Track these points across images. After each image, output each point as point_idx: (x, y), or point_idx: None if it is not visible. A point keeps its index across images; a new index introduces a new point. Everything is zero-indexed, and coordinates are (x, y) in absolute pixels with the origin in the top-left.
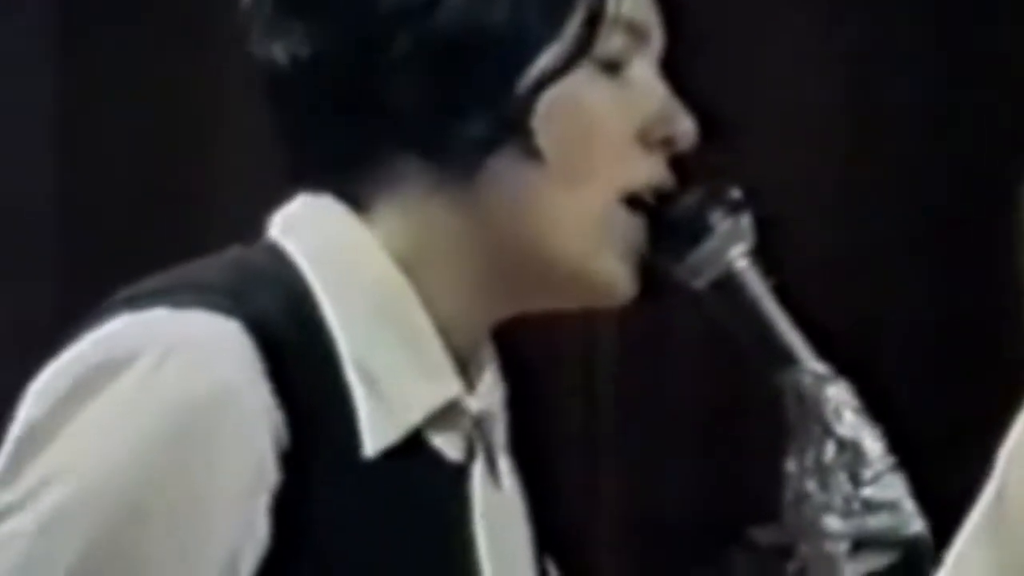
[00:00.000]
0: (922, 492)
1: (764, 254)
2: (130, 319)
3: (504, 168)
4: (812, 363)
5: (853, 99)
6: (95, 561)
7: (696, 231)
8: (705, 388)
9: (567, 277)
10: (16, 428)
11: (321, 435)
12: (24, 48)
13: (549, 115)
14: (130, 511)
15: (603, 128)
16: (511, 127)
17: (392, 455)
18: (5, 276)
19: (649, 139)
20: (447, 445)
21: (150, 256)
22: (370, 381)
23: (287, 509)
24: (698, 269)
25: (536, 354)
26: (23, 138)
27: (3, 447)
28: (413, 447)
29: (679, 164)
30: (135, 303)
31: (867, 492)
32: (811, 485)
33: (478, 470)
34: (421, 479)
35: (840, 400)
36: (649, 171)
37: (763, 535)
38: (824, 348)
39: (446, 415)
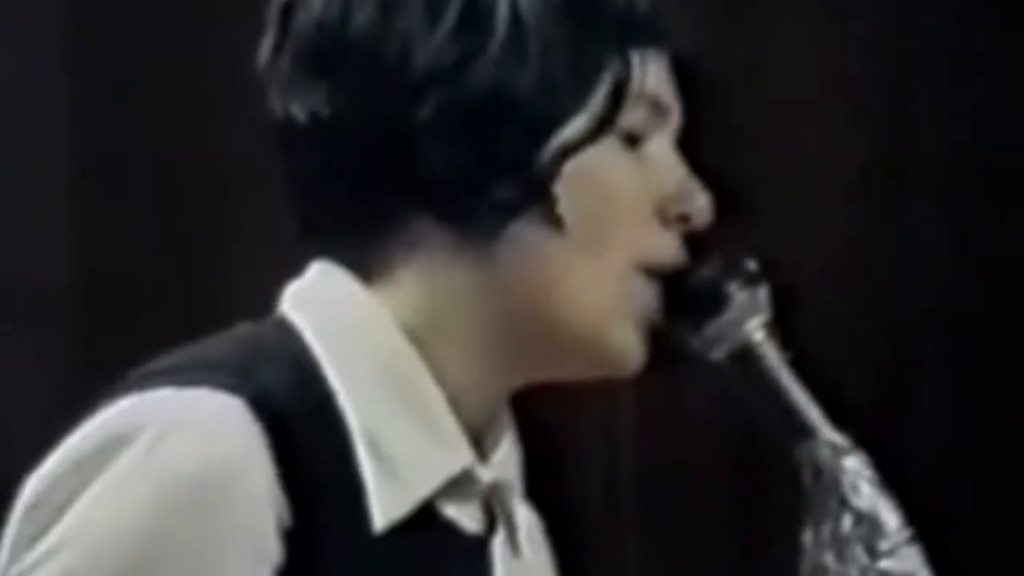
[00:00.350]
0: (939, 565)
1: (782, 325)
2: (136, 399)
3: (523, 234)
4: (829, 435)
5: (878, 166)
6: None
7: (713, 303)
8: (724, 459)
9: (580, 345)
10: (25, 505)
11: (328, 510)
12: (38, 121)
13: (571, 184)
14: None
15: (623, 200)
16: (534, 194)
17: (403, 529)
18: (22, 337)
19: (666, 215)
20: (463, 516)
21: (169, 316)
22: (379, 454)
23: None
24: (715, 341)
25: (555, 432)
26: (38, 203)
27: (12, 525)
28: (425, 520)
29: (698, 234)
30: (142, 384)
31: (884, 564)
32: (828, 557)
33: (499, 540)
34: (434, 552)
35: (857, 472)
36: (665, 246)
37: None
38: (843, 418)
39: (459, 486)
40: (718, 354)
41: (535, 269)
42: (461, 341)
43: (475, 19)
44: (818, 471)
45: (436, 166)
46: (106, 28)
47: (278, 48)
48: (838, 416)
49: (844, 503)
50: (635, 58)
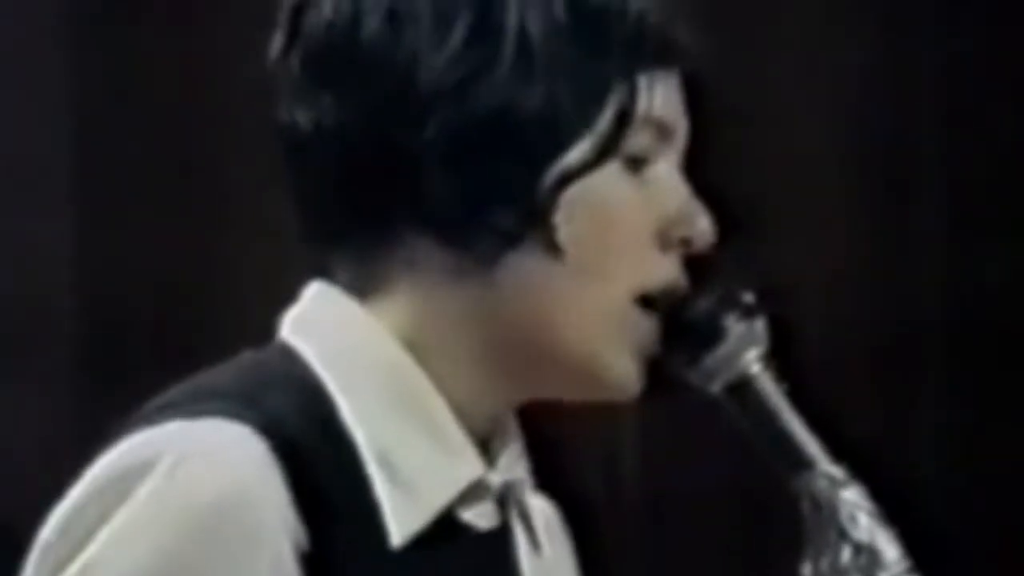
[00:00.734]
0: None
1: (779, 357)
2: (149, 433)
3: (522, 259)
4: (827, 467)
5: (877, 197)
6: None
7: (710, 335)
8: (724, 493)
9: (577, 371)
10: (42, 543)
11: (344, 531)
12: (40, 147)
13: (571, 211)
14: None
15: (623, 226)
16: (535, 221)
17: (421, 540)
18: (24, 371)
19: (667, 239)
20: (477, 517)
21: (170, 343)
22: (391, 470)
23: None
24: (712, 373)
25: (557, 460)
26: (40, 229)
27: (29, 564)
28: (442, 528)
29: (697, 260)
30: (152, 418)
31: None
32: None
33: (520, 535)
34: (455, 557)
35: (855, 504)
36: (665, 272)
37: None
38: (841, 449)
39: (472, 491)
40: (715, 386)
41: (533, 295)
42: (460, 359)
43: (483, 37)
44: (816, 503)
45: (437, 189)
46: (109, 49)
47: (287, 50)
48: (836, 448)
49: (843, 535)
50: (642, 81)
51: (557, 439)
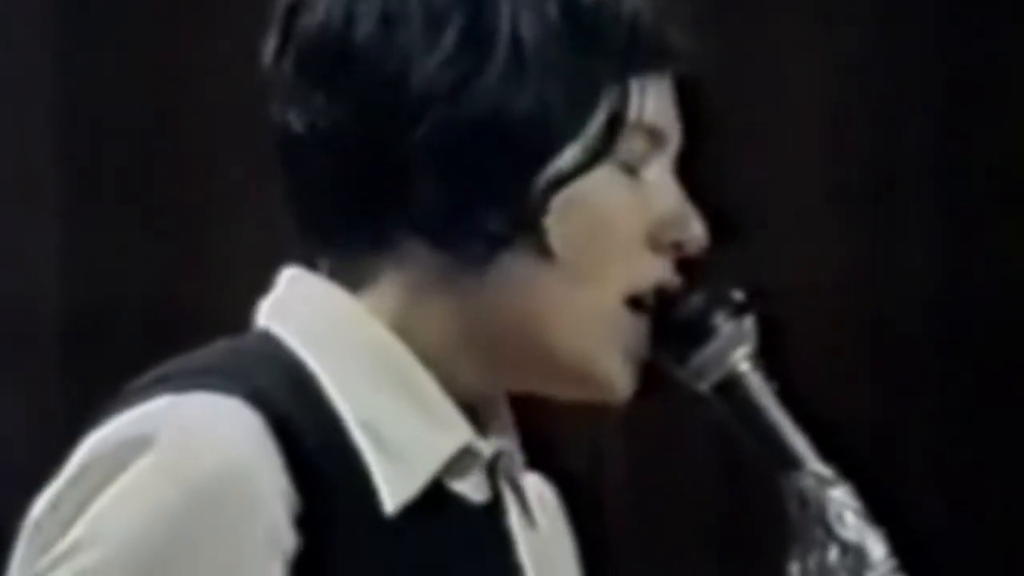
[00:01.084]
0: None
1: (768, 356)
2: (138, 409)
3: (513, 261)
4: (815, 466)
5: (868, 198)
6: None
7: (699, 334)
8: (712, 490)
9: (568, 372)
10: (33, 520)
11: (336, 498)
12: (26, 147)
13: (563, 213)
14: None
15: (614, 229)
16: (525, 225)
17: (413, 509)
18: (9, 370)
19: (659, 242)
20: (469, 488)
21: (155, 344)
22: (378, 439)
23: (309, 574)
24: (701, 372)
25: (541, 460)
26: (26, 230)
27: (20, 544)
28: (434, 497)
29: (688, 261)
30: (139, 395)
31: None
32: None
33: (512, 507)
34: (448, 527)
35: (843, 503)
36: (656, 274)
37: None
38: (831, 448)
39: (462, 460)
40: (704, 385)
41: (524, 297)
42: (448, 352)
43: (475, 40)
44: (804, 502)
45: (427, 191)
46: (94, 49)
47: (281, 51)
48: (824, 447)
49: (830, 534)
50: (635, 86)
51: (543, 429)
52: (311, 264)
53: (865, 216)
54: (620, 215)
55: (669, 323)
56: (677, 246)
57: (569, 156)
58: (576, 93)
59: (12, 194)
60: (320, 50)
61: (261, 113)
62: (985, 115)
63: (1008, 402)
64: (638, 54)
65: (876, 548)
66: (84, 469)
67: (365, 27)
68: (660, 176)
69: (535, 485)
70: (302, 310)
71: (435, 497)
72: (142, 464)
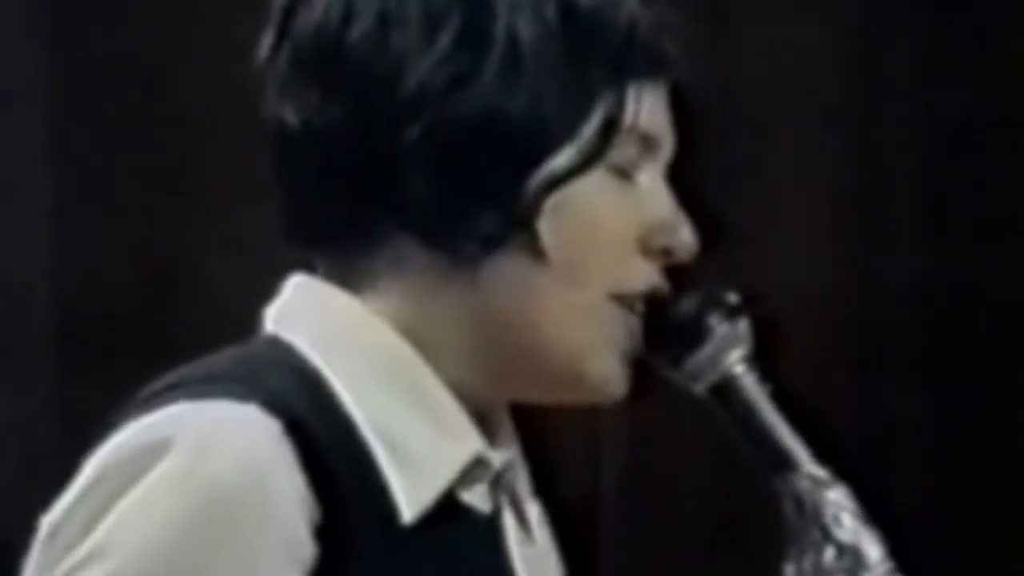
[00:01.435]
0: None
1: (763, 358)
2: (153, 416)
3: (506, 262)
4: (811, 467)
5: (858, 199)
6: None
7: (694, 336)
8: (708, 491)
9: (561, 373)
10: (48, 529)
11: (353, 507)
12: (19, 150)
13: (555, 215)
14: None
15: (606, 232)
16: (517, 227)
17: (427, 519)
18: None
19: (649, 246)
20: (475, 499)
21: (147, 350)
22: (393, 448)
23: None
24: (696, 374)
25: (539, 459)
26: (17, 235)
27: (33, 554)
28: (445, 506)
29: (679, 266)
30: (154, 401)
31: None
32: None
33: (509, 521)
34: (458, 537)
35: (839, 504)
36: (644, 278)
37: None
38: (826, 450)
39: (472, 470)
40: (699, 387)
41: (517, 298)
42: (449, 352)
43: (472, 40)
44: (800, 503)
45: (421, 190)
46: (89, 45)
47: (277, 47)
48: (819, 448)
49: (826, 535)
50: (630, 92)
51: (541, 441)
52: (310, 267)
53: (855, 220)
54: (612, 219)
55: (664, 326)
56: (667, 252)
57: (563, 159)
58: (571, 96)
59: (4, 192)
60: (317, 48)
61: (256, 111)
62: (975, 119)
63: (1000, 403)
64: (634, 60)
65: (872, 549)
66: (101, 476)
67: (362, 26)
68: (652, 182)
69: (530, 499)
70: (312, 316)
71: (445, 507)
72: (160, 471)
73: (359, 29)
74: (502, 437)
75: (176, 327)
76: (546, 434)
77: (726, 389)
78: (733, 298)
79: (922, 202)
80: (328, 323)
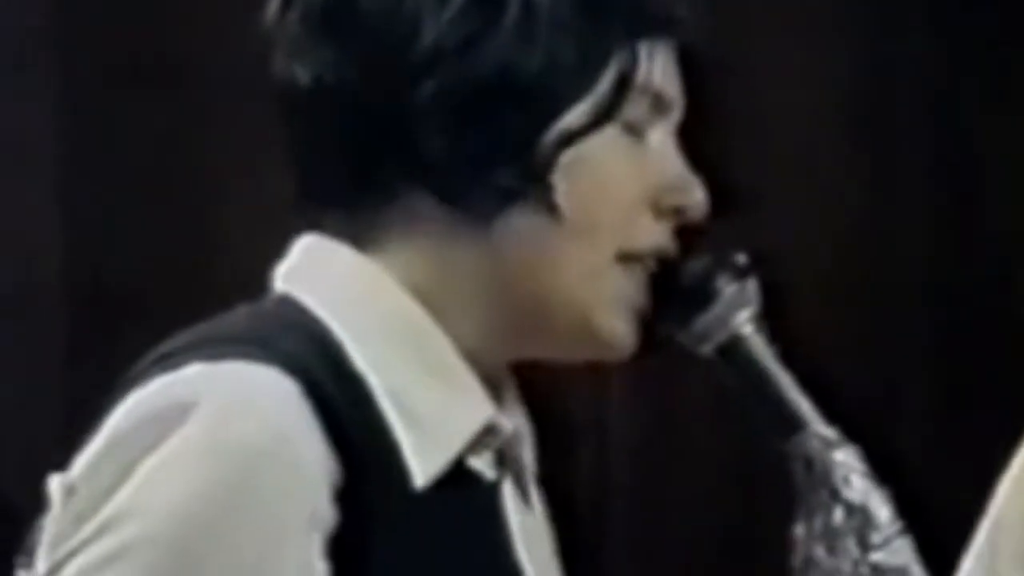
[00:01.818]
0: (931, 557)
1: (772, 318)
2: (168, 378)
3: (519, 218)
4: (820, 428)
5: (867, 163)
6: None
7: (702, 297)
8: (714, 451)
9: (571, 329)
10: (65, 492)
11: (371, 471)
12: (28, 123)
13: (569, 171)
14: (186, 557)
15: (618, 189)
16: (532, 181)
17: (439, 484)
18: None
19: (660, 206)
20: (482, 465)
21: (158, 320)
22: (407, 412)
23: (346, 547)
24: (704, 335)
25: (546, 423)
26: (28, 206)
27: (50, 518)
28: (455, 472)
29: (689, 228)
30: (169, 363)
31: (876, 557)
32: (819, 550)
33: (507, 489)
34: (467, 503)
35: (848, 465)
36: (654, 237)
37: None
38: (834, 411)
39: (482, 436)
40: (707, 348)
41: (529, 253)
42: (460, 310)
43: None
44: (809, 464)
45: (436, 146)
46: (95, 30)
47: (286, 6)
48: (828, 409)
49: (836, 496)
50: (643, 50)
51: (542, 404)
52: (315, 230)
53: (864, 179)
54: (623, 176)
55: (672, 287)
56: (678, 212)
57: (577, 114)
58: (586, 52)
59: (12, 171)
60: (329, 4)
61: (261, 83)
62: (983, 86)
63: (1008, 363)
64: (648, 18)
65: (882, 510)
66: (124, 435)
67: None
68: (663, 141)
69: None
70: (323, 276)
71: (455, 472)
72: (183, 434)
73: None
74: (509, 404)
75: (184, 299)
76: (552, 404)
77: (734, 350)
78: (741, 259)
79: (934, 161)
80: (339, 283)
